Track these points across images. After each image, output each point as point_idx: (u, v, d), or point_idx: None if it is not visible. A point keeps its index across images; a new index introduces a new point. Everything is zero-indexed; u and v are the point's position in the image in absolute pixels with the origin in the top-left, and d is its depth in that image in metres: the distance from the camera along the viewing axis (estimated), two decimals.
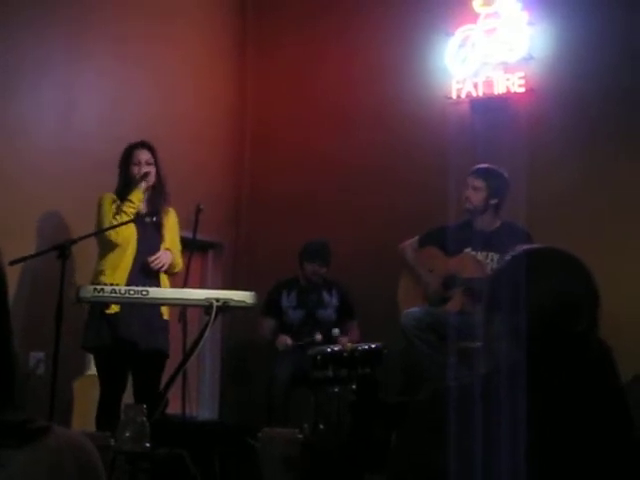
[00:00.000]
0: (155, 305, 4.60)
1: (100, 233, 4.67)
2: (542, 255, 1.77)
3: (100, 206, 4.79)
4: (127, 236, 4.72)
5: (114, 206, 4.73)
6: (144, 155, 4.85)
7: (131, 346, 4.58)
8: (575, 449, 1.56)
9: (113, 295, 4.12)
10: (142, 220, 4.79)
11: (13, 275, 4.61)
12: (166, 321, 4.80)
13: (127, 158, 4.85)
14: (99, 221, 4.75)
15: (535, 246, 1.81)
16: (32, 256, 4.25)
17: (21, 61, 5.24)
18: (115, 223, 4.64)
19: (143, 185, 4.78)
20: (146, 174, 4.79)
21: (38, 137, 5.33)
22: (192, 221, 4.86)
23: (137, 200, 4.74)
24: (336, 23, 6.89)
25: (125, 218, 4.66)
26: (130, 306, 4.52)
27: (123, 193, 4.79)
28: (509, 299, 1.68)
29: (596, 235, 5.49)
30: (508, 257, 1.76)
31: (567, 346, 1.66)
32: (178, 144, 6.23)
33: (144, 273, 4.71)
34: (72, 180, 5.41)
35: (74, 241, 4.40)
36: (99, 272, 4.68)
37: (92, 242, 4.71)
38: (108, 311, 4.54)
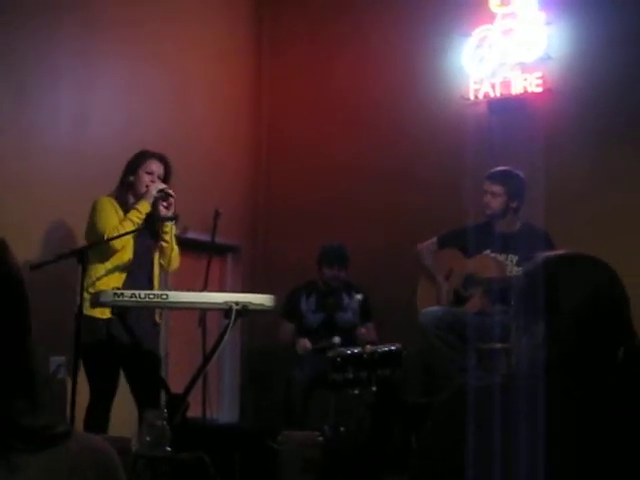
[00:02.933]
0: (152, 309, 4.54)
1: (111, 240, 4.46)
2: (572, 261, 1.75)
3: (100, 210, 4.58)
4: (124, 242, 4.56)
5: (120, 213, 4.57)
6: (158, 168, 4.71)
7: (127, 349, 4.45)
8: (597, 454, 1.54)
9: (133, 299, 4.07)
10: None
11: (32, 280, 4.63)
12: (158, 325, 4.76)
13: (138, 164, 4.69)
14: (99, 226, 4.53)
15: (563, 252, 1.79)
16: (52, 261, 4.25)
17: (34, 65, 5.22)
18: (122, 231, 4.47)
19: (155, 196, 4.60)
20: (169, 194, 4.61)
21: (52, 141, 5.31)
22: (210, 225, 4.84)
23: (144, 211, 4.57)
24: (351, 25, 6.88)
25: (130, 226, 4.51)
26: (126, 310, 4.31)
27: (126, 200, 4.64)
28: (543, 305, 1.67)
29: (614, 235, 5.45)
30: (539, 261, 1.74)
31: (600, 353, 1.64)
32: (195, 148, 6.23)
33: (139, 277, 4.62)
34: (86, 185, 5.38)
35: (93, 245, 4.41)
36: (97, 278, 4.49)
37: None
38: (103, 317, 4.40)
